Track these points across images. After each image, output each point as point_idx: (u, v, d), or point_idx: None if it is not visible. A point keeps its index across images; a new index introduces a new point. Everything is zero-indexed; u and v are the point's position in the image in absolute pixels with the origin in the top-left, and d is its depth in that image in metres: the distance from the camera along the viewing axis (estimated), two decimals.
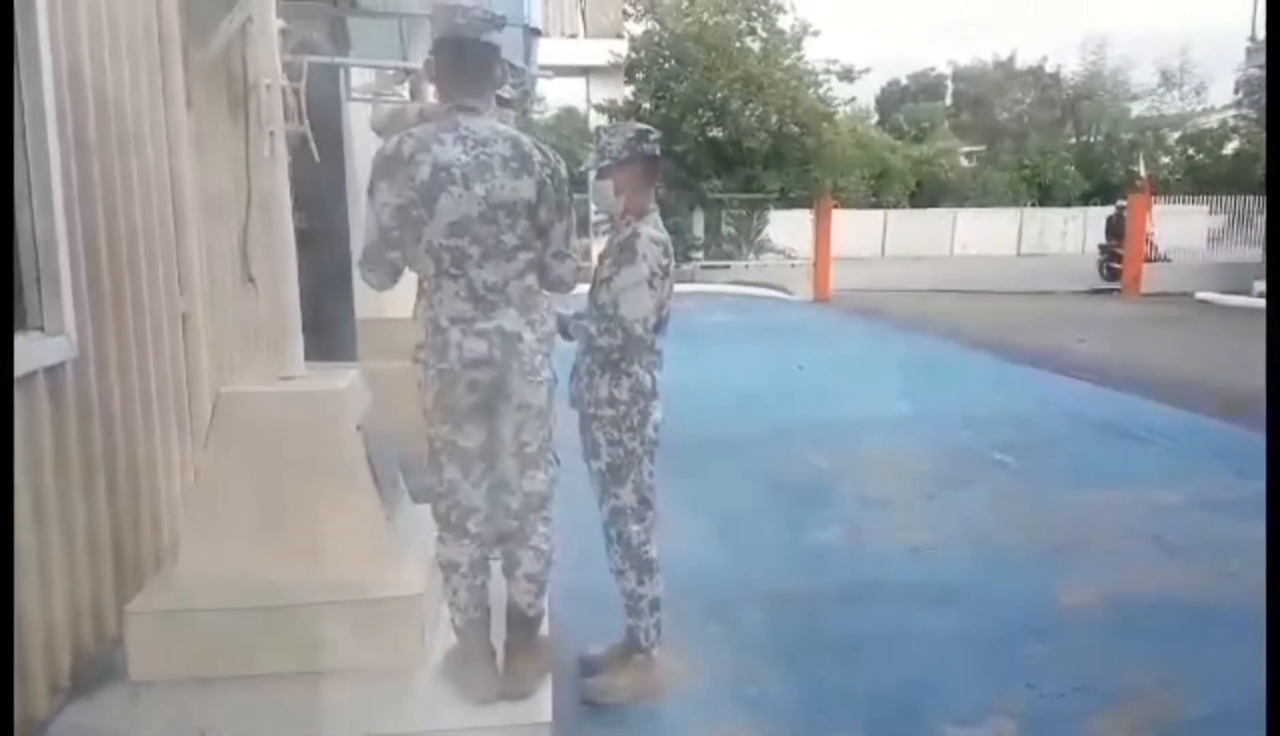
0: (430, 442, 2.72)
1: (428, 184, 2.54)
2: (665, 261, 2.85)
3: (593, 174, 3.00)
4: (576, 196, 2.88)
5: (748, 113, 19.84)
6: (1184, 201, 21.94)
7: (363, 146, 7.67)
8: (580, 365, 2.93)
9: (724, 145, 20.12)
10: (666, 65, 20.23)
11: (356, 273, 2.84)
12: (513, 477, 2.75)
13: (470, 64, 2.66)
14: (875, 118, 37.61)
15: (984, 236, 28.58)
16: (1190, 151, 30.79)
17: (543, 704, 2.78)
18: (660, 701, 3.02)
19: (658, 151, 2.94)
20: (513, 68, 3.34)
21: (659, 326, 2.91)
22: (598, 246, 2.98)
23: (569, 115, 26.73)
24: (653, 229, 2.87)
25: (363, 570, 2.98)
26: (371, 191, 2.62)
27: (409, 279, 2.80)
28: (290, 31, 4.45)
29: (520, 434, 2.71)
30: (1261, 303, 14.62)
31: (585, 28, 21.12)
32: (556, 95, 26.93)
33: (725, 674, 3.24)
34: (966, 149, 33.80)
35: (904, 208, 29.52)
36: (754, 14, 21.12)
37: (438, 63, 2.70)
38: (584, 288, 2.97)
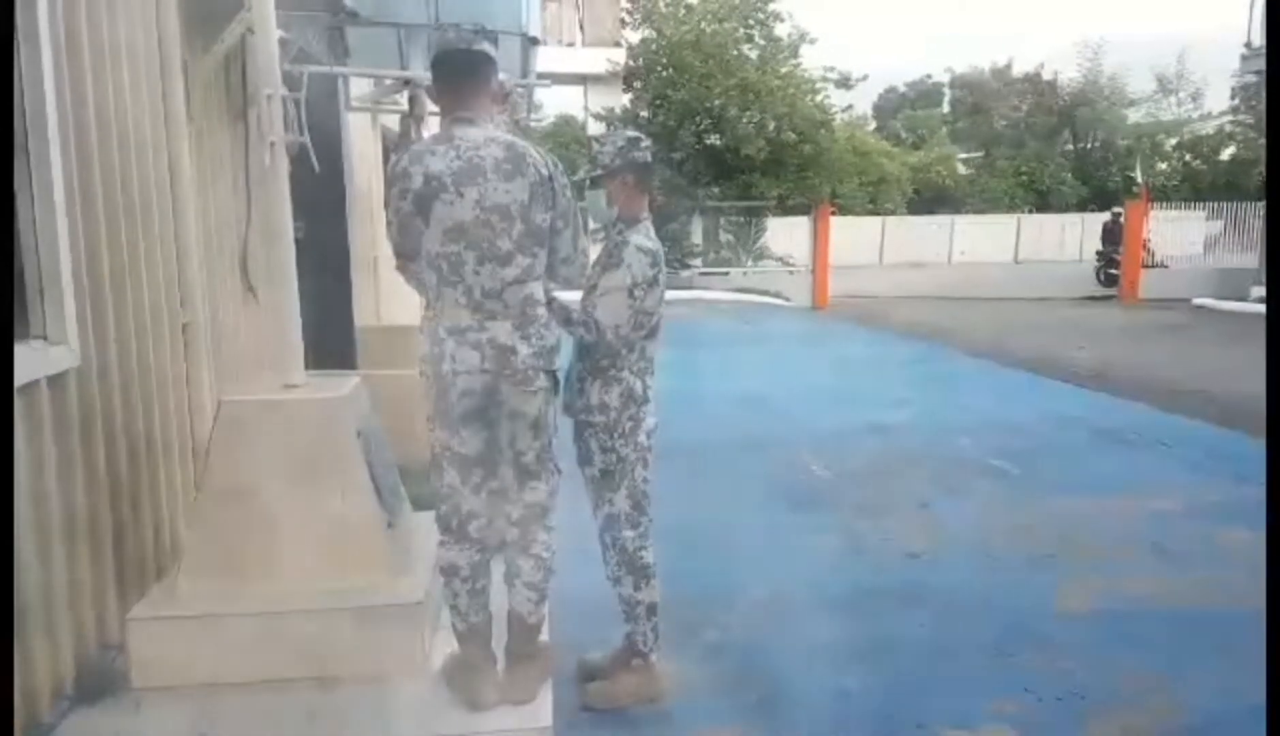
0: (431, 448, 2.76)
1: (421, 193, 2.60)
2: (653, 271, 2.87)
3: (587, 183, 3.03)
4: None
5: (745, 120, 19.85)
6: (1181, 207, 22.01)
7: (361, 156, 7.72)
8: (572, 372, 2.96)
9: (722, 152, 20.14)
10: (664, 73, 20.25)
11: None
12: (512, 486, 2.78)
13: (464, 74, 2.71)
14: (873, 125, 37.65)
15: (981, 243, 28.57)
16: (1187, 158, 30.83)
17: (543, 709, 2.80)
18: (659, 705, 3.03)
19: (649, 158, 2.97)
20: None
21: (651, 334, 2.93)
22: (595, 252, 3.00)
23: (567, 123, 26.78)
24: (643, 237, 2.89)
25: (363, 577, 3.00)
26: (385, 205, 2.75)
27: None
28: (289, 42, 4.48)
29: (515, 443, 2.74)
30: (1258, 308, 14.66)
31: (583, 36, 21.17)
32: (554, 104, 27.01)
33: (722, 679, 3.25)
34: (964, 156, 33.83)
35: (902, 214, 29.52)
36: (751, 22, 21.16)
37: (435, 79, 2.79)
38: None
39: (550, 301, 2.81)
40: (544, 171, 2.68)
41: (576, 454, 3.00)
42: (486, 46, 2.74)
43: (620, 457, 2.92)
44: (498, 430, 2.72)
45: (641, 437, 2.93)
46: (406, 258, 2.74)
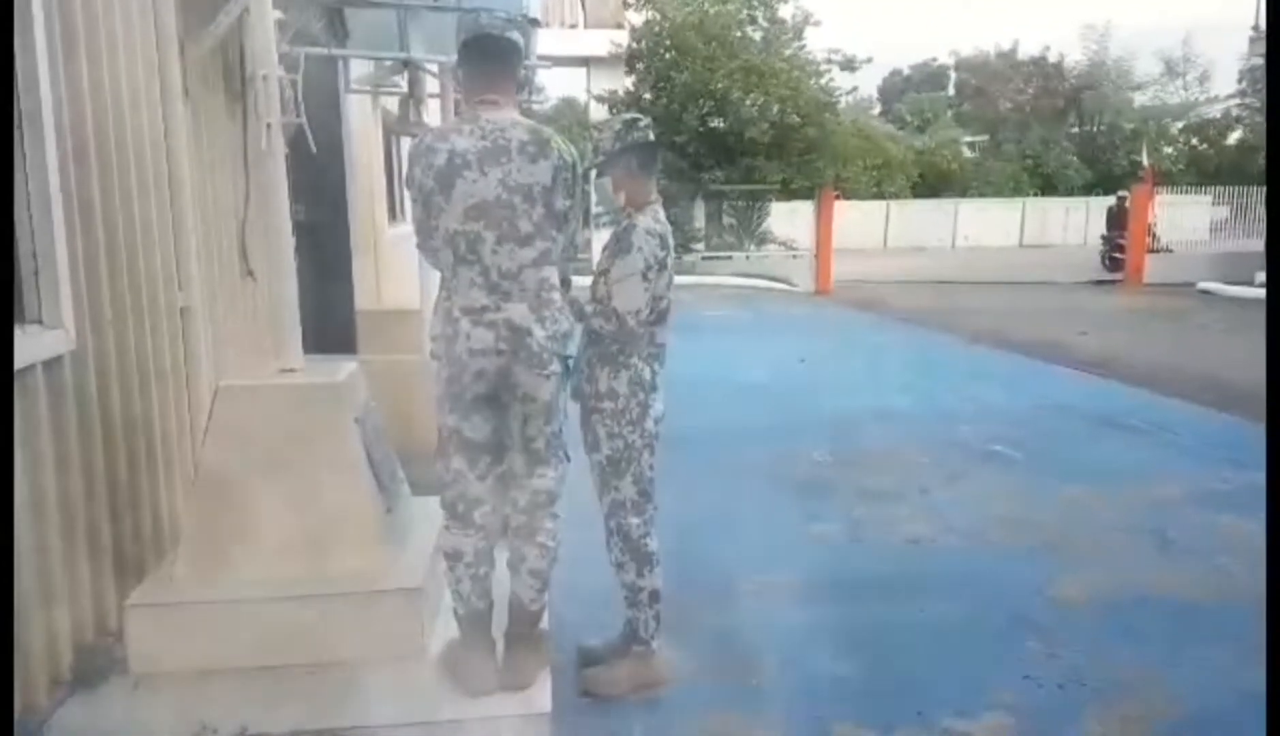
0: (439, 431, 2.76)
1: (444, 170, 2.61)
2: (662, 253, 2.85)
3: (593, 173, 3.01)
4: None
5: (749, 103, 19.73)
6: (1187, 191, 21.92)
7: (362, 138, 7.67)
8: (581, 358, 2.93)
9: (725, 136, 20.04)
10: (667, 55, 20.11)
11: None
12: (520, 472, 2.77)
13: (492, 60, 2.73)
14: (877, 108, 37.59)
15: (986, 227, 28.52)
16: (1193, 141, 30.70)
17: (542, 694, 2.79)
18: (659, 692, 3.02)
19: (650, 137, 2.95)
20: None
21: (660, 319, 2.91)
22: (598, 239, 2.98)
23: (569, 106, 26.68)
24: (650, 220, 2.87)
25: (362, 562, 2.99)
26: (407, 183, 2.76)
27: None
28: (287, 23, 4.44)
29: (526, 428, 2.73)
30: (1264, 293, 14.59)
31: (585, 18, 21.03)
32: (557, 86, 26.92)
33: (724, 665, 3.24)
34: (969, 139, 33.72)
35: (906, 198, 29.45)
36: (755, 3, 21.03)
37: (463, 63, 2.80)
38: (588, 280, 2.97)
39: (565, 281, 2.79)
40: (567, 158, 2.69)
41: (583, 440, 2.98)
42: (515, 35, 2.76)
43: (627, 444, 2.90)
44: (509, 414, 2.72)
45: (649, 424, 2.91)
46: (428, 236, 2.75)
